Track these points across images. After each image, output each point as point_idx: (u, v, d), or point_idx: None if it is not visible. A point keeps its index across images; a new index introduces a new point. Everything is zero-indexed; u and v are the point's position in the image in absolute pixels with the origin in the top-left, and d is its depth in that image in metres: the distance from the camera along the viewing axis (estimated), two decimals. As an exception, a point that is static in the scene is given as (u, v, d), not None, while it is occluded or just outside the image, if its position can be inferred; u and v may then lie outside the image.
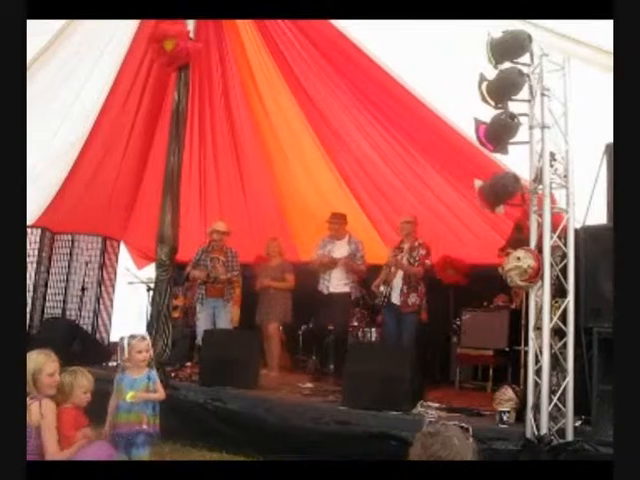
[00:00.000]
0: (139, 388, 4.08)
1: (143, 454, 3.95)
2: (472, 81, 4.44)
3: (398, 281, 6.71)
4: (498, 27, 4.41)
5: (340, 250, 7.14)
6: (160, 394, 4.17)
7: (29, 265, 9.10)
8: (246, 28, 6.93)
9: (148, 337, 4.34)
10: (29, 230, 9.08)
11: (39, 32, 6.13)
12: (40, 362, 3.43)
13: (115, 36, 6.64)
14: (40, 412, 3.20)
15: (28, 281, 8.98)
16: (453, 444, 1.97)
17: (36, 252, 9.10)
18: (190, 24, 6.21)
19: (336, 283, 7.04)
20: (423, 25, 4.92)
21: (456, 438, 1.99)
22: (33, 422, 3.19)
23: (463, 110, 5.18)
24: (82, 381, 3.68)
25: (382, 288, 6.74)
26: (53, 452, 3.21)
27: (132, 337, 4.22)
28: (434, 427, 2.06)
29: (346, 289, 7.05)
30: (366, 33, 5.78)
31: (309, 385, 6.49)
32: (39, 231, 9.13)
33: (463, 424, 2.08)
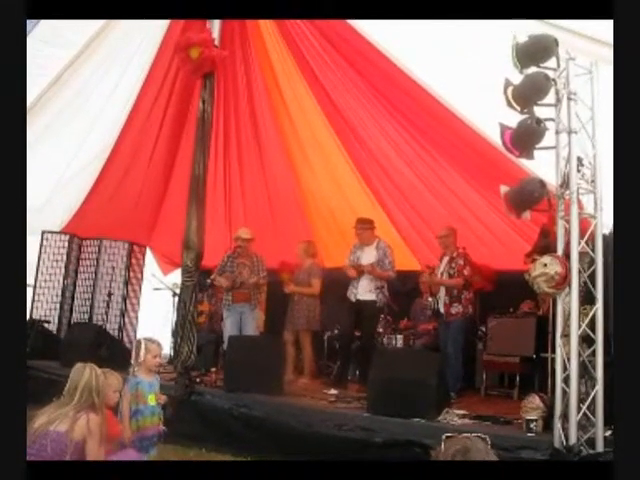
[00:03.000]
0: (157, 391, 4.20)
1: (155, 451, 4.09)
2: (497, 86, 4.41)
3: (442, 292, 6.84)
4: (516, 29, 4.38)
5: (368, 256, 7.08)
6: None
7: (57, 270, 9.25)
8: (270, 35, 6.97)
9: (161, 345, 4.38)
10: (57, 236, 9.24)
11: (66, 42, 6.28)
12: (113, 382, 3.52)
13: (142, 44, 6.73)
14: (88, 427, 3.20)
15: (50, 284, 9.15)
16: (474, 455, 1.96)
17: (64, 257, 9.24)
18: (215, 32, 6.27)
19: (363, 290, 7.01)
20: (446, 27, 4.92)
21: (475, 451, 1.98)
22: (76, 436, 3.17)
23: (488, 115, 5.14)
24: (112, 381, 3.72)
25: (430, 299, 6.97)
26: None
27: (150, 341, 4.27)
28: (453, 439, 2.04)
29: (372, 296, 6.98)
30: (391, 39, 5.78)
31: (334, 392, 6.47)
32: (67, 237, 9.27)
33: (481, 435, 2.06)
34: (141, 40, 6.65)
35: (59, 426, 3.19)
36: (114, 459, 3.42)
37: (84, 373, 3.39)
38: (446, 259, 6.87)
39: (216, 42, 6.23)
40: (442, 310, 6.75)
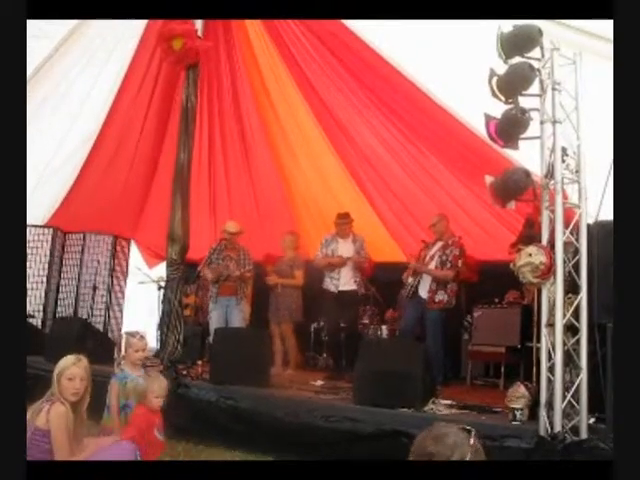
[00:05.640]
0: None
1: None
2: (482, 76, 4.41)
3: (427, 275, 6.62)
4: (506, 22, 4.38)
5: (345, 248, 7.15)
6: None
7: (41, 265, 9.18)
8: (254, 26, 6.94)
9: (146, 336, 4.34)
10: (41, 230, 9.16)
11: (48, 33, 6.20)
12: (64, 365, 3.44)
13: (124, 35, 6.67)
14: (46, 417, 3.21)
15: (35, 279, 9.08)
16: (446, 441, 1.94)
17: (48, 252, 9.17)
18: (198, 23, 6.22)
19: (345, 281, 7.06)
20: (431, 21, 4.91)
21: (452, 436, 1.96)
22: (40, 425, 3.20)
23: (473, 106, 5.15)
24: (153, 386, 3.72)
25: (410, 279, 6.70)
26: (62, 456, 3.21)
27: (131, 335, 4.25)
28: (432, 426, 2.04)
29: (355, 287, 7.10)
30: (374, 31, 5.77)
31: (320, 382, 6.49)
32: (51, 231, 9.20)
33: (466, 426, 2.05)
34: (124, 30, 6.58)
35: (29, 415, 3.24)
36: (108, 453, 3.40)
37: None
38: (440, 244, 6.69)
39: (199, 33, 6.19)
40: (424, 295, 6.57)
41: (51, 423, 3.19)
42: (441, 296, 6.52)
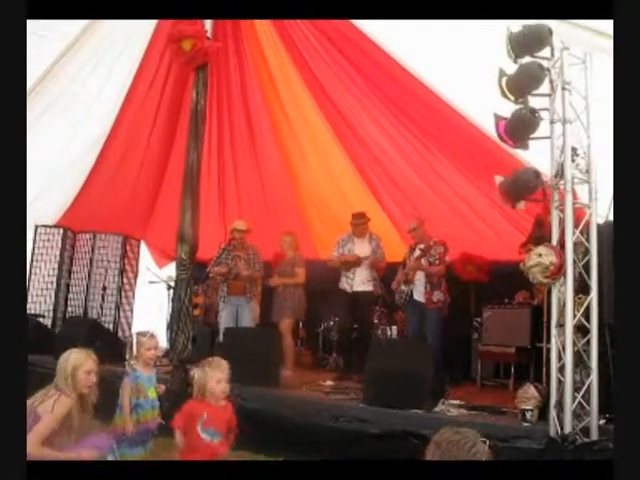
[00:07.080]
0: (156, 384, 4.23)
1: (153, 444, 4.11)
2: (492, 76, 4.40)
3: (420, 279, 6.68)
4: (514, 21, 4.36)
5: (362, 248, 7.14)
6: None
7: (51, 265, 9.22)
8: (263, 27, 6.94)
9: (156, 335, 4.36)
10: (51, 230, 9.21)
11: (60, 32, 6.23)
12: (79, 359, 3.50)
13: (134, 35, 6.68)
14: (52, 406, 3.24)
15: (45, 279, 9.12)
16: (468, 435, 2.00)
17: (58, 252, 9.21)
18: (207, 24, 6.23)
19: (360, 281, 7.06)
20: (440, 21, 4.89)
21: (473, 433, 2.03)
22: (40, 412, 3.23)
23: (483, 106, 5.13)
24: (214, 372, 3.72)
25: (403, 287, 6.76)
26: (35, 440, 3.18)
27: (141, 334, 4.27)
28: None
29: (370, 287, 7.09)
30: (384, 31, 5.75)
31: (330, 383, 6.49)
32: (61, 230, 9.24)
33: (481, 438, 2.11)
34: (134, 30, 6.59)
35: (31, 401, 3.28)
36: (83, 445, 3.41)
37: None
38: (423, 246, 6.71)
39: (208, 34, 6.20)
40: (420, 298, 6.63)
41: (51, 414, 3.23)
42: (438, 296, 6.61)
